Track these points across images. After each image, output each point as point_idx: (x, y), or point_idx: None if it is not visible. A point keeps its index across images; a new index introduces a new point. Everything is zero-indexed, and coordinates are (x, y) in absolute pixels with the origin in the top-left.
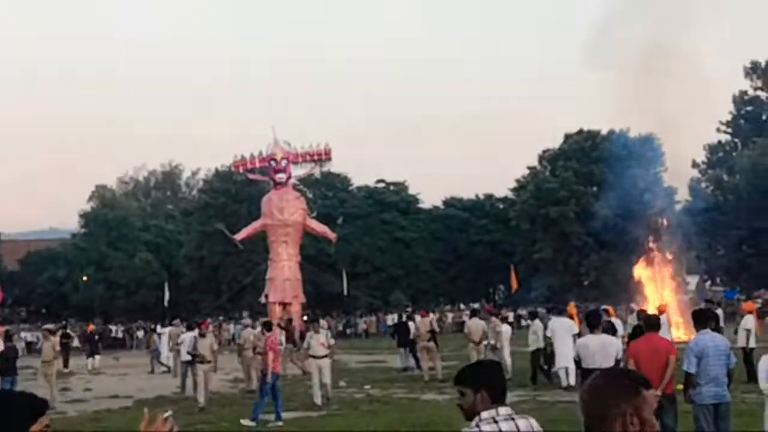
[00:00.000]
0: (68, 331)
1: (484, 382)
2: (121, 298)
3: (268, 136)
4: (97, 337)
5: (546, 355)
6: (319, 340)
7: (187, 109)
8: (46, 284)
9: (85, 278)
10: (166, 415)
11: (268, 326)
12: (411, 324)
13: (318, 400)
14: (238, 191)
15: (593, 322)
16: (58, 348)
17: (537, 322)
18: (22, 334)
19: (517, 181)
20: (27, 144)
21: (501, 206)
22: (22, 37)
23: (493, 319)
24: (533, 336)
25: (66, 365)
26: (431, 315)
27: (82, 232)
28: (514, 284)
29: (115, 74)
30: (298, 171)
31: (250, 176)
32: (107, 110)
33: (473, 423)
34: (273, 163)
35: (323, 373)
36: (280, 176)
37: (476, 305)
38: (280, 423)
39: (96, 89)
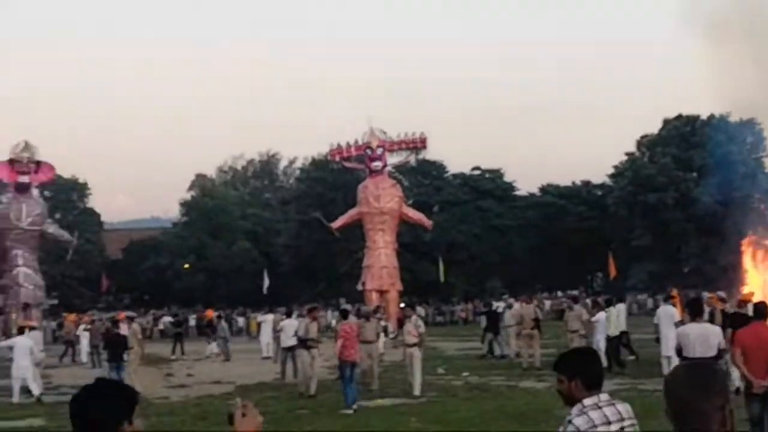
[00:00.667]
0: (179, 317)
1: (579, 369)
2: (221, 285)
3: (364, 124)
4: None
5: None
6: (408, 328)
7: (285, 98)
8: (148, 272)
9: (186, 266)
10: (239, 403)
11: (343, 314)
12: (507, 311)
13: (416, 390)
14: (334, 179)
15: (695, 311)
16: (139, 336)
17: (613, 309)
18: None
19: (615, 167)
20: (128, 135)
21: (598, 193)
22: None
23: (576, 307)
24: (610, 323)
25: (182, 351)
26: (534, 302)
27: (183, 221)
28: (612, 271)
29: (212, 63)
30: (393, 159)
31: (346, 164)
32: (206, 100)
33: (575, 409)
34: (369, 151)
35: (412, 362)
36: (376, 164)
37: (575, 293)
38: (349, 411)
39: (194, 79)
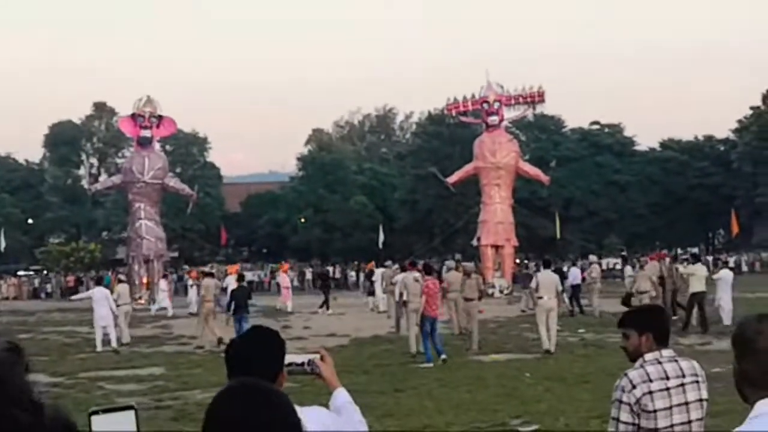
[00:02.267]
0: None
1: (649, 325)
2: (337, 240)
3: (482, 78)
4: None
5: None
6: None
7: (401, 53)
8: (266, 226)
9: (303, 220)
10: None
11: (428, 270)
12: (628, 268)
13: (546, 346)
14: (450, 134)
15: None
16: (215, 291)
17: (698, 266)
18: (245, 273)
19: (739, 121)
20: (247, 91)
21: (722, 148)
22: None
23: (648, 266)
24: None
25: (327, 306)
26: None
27: (300, 176)
28: (735, 229)
29: (329, 17)
30: (510, 113)
31: (463, 119)
32: (322, 55)
33: (637, 363)
34: (486, 105)
35: (550, 316)
36: (493, 119)
37: (695, 250)
38: (429, 364)
39: (312, 34)
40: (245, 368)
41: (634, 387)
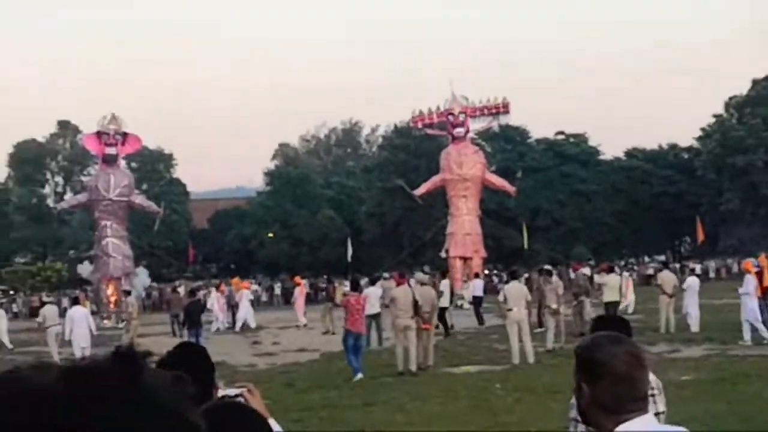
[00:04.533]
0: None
1: None
2: (305, 254)
3: (446, 90)
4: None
5: None
6: (549, 292)
7: (366, 66)
8: (234, 242)
9: (270, 235)
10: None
11: (354, 285)
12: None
13: (516, 359)
14: (416, 147)
15: None
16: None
17: (612, 275)
18: (212, 290)
19: (702, 129)
20: (213, 106)
21: (685, 156)
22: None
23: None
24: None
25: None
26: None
27: (267, 190)
28: (701, 236)
29: (292, 34)
30: (476, 125)
31: (429, 131)
32: (285, 71)
33: None
34: (451, 117)
35: (521, 328)
36: (459, 130)
37: (662, 258)
38: (360, 375)
39: (275, 47)
40: None
41: None
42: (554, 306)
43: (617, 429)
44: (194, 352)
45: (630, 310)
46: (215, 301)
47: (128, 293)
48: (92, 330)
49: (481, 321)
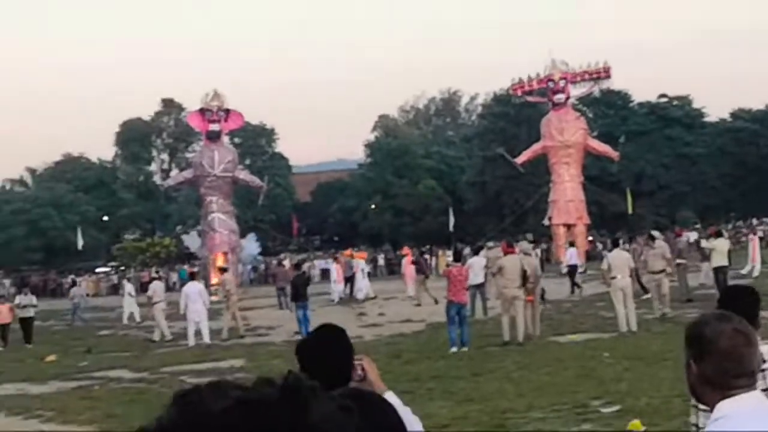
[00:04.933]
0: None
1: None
2: (407, 224)
3: (546, 57)
4: None
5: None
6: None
7: (465, 34)
8: (336, 214)
9: (373, 206)
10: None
11: (457, 256)
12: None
13: (624, 328)
14: (516, 114)
15: None
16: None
17: (720, 240)
18: (316, 262)
19: None
20: (313, 80)
21: None
22: None
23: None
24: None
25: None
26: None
27: (368, 162)
28: None
29: (392, 3)
30: (576, 90)
31: (529, 98)
32: (388, 40)
33: None
34: (551, 83)
35: (626, 295)
36: (559, 97)
37: None
38: (454, 349)
39: (374, 20)
40: (318, 365)
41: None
42: (658, 269)
43: (719, 403)
44: (335, 333)
45: (756, 274)
46: (335, 271)
47: (224, 270)
48: (206, 305)
49: (573, 289)
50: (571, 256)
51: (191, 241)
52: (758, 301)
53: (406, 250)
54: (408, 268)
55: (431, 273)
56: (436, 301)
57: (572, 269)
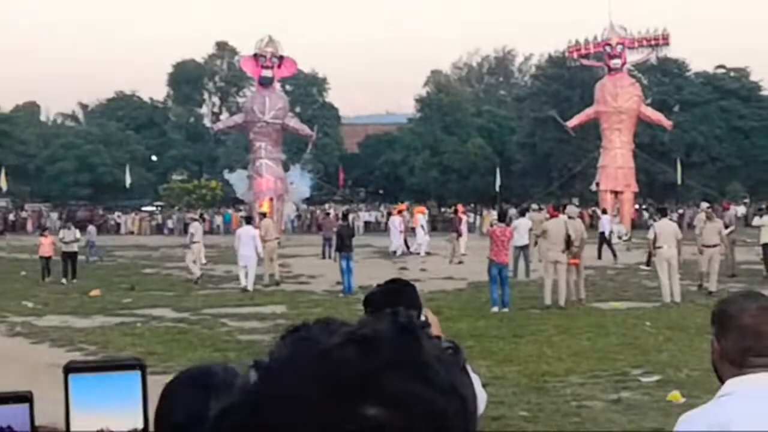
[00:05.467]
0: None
1: None
2: (453, 182)
3: (604, 20)
4: None
5: None
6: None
7: None
8: (383, 167)
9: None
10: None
11: (501, 217)
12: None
13: (667, 298)
14: (571, 77)
15: None
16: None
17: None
18: (361, 214)
19: None
20: (367, 31)
21: None
22: None
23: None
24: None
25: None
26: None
27: (418, 117)
28: None
29: None
30: (633, 56)
31: (584, 62)
32: None
33: None
34: (608, 48)
35: (672, 266)
36: (615, 62)
37: None
38: (495, 308)
39: None
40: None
41: None
42: (712, 243)
43: (727, 380)
44: (404, 288)
45: None
46: (395, 225)
47: (264, 215)
48: (258, 251)
49: (600, 256)
50: (604, 224)
51: (237, 180)
52: None
53: (461, 208)
54: (460, 226)
55: (475, 231)
56: (461, 262)
57: (602, 237)
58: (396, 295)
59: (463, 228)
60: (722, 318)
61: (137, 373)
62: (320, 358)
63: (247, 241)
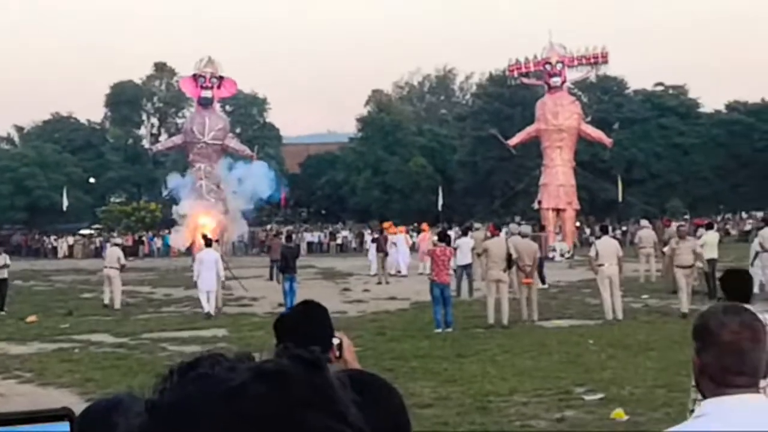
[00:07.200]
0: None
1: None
2: (396, 201)
3: (544, 39)
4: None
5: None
6: (685, 247)
7: (461, 12)
8: (325, 187)
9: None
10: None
11: (441, 236)
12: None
13: (609, 316)
14: (512, 95)
15: None
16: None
17: (711, 233)
18: (304, 235)
19: None
20: (306, 50)
21: None
22: None
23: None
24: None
25: None
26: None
27: (359, 136)
28: None
29: None
30: (573, 74)
31: (524, 80)
32: (380, 18)
33: None
34: (548, 66)
35: (613, 284)
36: (555, 80)
37: (760, 214)
38: (438, 330)
39: None
40: (295, 341)
41: None
42: (687, 264)
43: (704, 401)
44: (316, 310)
45: None
46: (372, 244)
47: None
48: (220, 275)
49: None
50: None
51: (180, 186)
52: (751, 282)
53: (425, 227)
54: (423, 243)
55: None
56: (388, 282)
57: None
58: (307, 318)
59: (403, 248)
60: (702, 333)
61: (65, 425)
62: (231, 396)
63: (210, 265)
